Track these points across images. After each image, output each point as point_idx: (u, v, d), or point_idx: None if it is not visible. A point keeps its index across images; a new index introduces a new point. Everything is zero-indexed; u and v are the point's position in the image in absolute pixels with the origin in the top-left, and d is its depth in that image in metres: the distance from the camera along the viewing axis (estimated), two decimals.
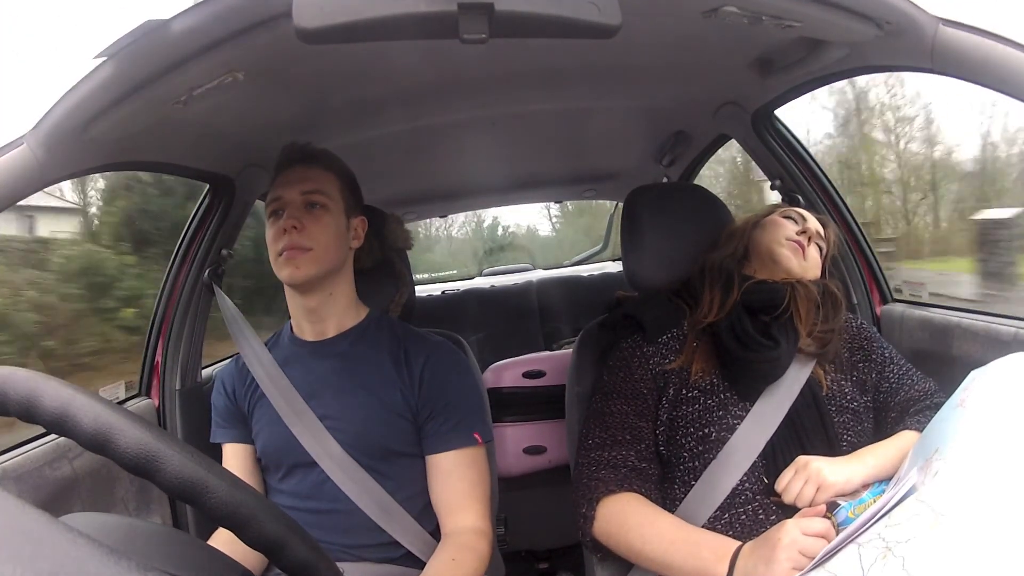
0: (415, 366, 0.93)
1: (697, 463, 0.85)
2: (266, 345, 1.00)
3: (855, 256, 1.29)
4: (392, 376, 0.93)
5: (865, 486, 0.76)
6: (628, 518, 0.81)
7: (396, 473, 0.92)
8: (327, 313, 0.96)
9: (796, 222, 0.98)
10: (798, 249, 0.95)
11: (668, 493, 0.88)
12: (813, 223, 0.98)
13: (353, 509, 0.89)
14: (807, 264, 0.95)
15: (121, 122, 0.78)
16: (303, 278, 0.90)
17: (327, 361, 0.95)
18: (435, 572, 0.80)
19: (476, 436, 0.92)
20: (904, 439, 0.81)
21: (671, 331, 0.95)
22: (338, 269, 0.95)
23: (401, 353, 0.94)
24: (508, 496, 1.19)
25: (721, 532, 0.79)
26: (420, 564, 0.85)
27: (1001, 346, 0.95)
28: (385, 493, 0.90)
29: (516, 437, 1.57)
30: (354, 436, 0.90)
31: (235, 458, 0.98)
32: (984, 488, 0.50)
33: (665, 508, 0.84)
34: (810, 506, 0.74)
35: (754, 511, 0.81)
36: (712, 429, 0.85)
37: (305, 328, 0.97)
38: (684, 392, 0.89)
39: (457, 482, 0.90)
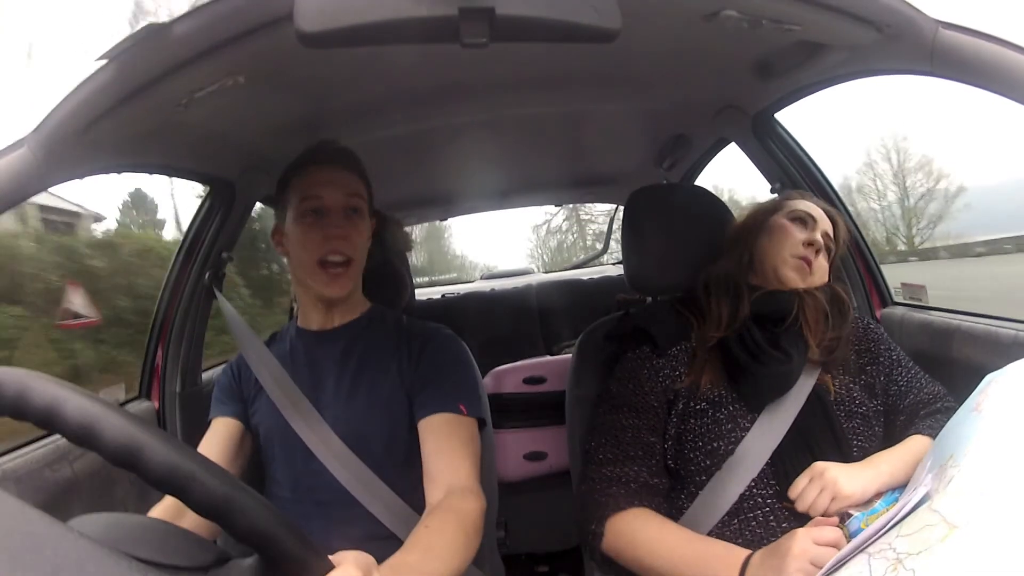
0: (414, 349, 0.94)
1: (705, 477, 0.84)
2: (267, 345, 1.00)
3: (855, 259, 1.29)
4: (392, 366, 0.93)
5: (878, 495, 0.74)
6: (638, 534, 0.80)
7: (396, 465, 0.91)
8: (338, 307, 0.97)
9: (805, 224, 0.95)
10: (804, 267, 0.92)
11: (675, 503, 0.87)
12: (822, 223, 0.96)
13: (352, 501, 0.88)
14: (813, 278, 0.93)
15: (122, 124, 0.78)
16: (342, 293, 0.92)
17: (330, 350, 0.95)
18: (410, 542, 0.71)
19: (461, 407, 0.89)
20: (917, 444, 0.80)
21: (680, 344, 0.94)
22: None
23: (403, 339, 0.95)
24: (508, 500, 1.19)
25: (731, 538, 0.78)
26: None
27: (1002, 349, 0.95)
28: (384, 485, 0.89)
29: (517, 443, 1.57)
30: (354, 429, 0.90)
31: (224, 427, 0.95)
32: (1000, 499, 0.48)
33: (672, 516, 0.83)
34: (823, 515, 0.73)
35: (764, 517, 0.80)
36: (721, 443, 0.84)
37: (312, 318, 0.98)
38: (693, 405, 0.87)
39: (443, 441, 0.86)
